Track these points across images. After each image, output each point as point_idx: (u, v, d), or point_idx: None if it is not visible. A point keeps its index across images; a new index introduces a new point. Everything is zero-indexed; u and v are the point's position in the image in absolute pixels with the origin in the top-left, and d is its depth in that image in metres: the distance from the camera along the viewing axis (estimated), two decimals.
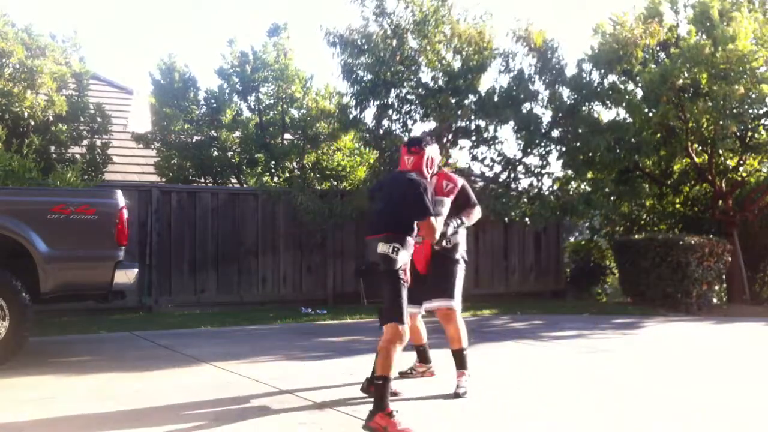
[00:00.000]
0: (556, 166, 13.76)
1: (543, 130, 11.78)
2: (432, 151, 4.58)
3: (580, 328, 8.96)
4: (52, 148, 9.85)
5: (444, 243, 4.97)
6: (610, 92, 11.88)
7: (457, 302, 4.92)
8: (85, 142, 10.56)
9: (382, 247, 4.24)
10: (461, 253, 5.09)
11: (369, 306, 11.53)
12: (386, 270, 4.24)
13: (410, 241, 4.33)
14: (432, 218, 4.28)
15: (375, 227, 4.42)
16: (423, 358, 5.47)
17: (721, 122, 11.14)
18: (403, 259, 4.29)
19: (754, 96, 11.24)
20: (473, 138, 11.87)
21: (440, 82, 11.51)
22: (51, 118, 9.74)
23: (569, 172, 12.64)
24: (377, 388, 4.03)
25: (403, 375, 5.38)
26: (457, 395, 4.72)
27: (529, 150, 11.83)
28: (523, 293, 13.31)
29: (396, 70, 11.22)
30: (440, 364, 5.48)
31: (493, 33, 11.36)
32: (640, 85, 12.38)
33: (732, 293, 13.35)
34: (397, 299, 4.21)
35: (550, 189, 12.56)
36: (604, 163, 11.74)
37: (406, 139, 11.89)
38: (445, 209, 4.73)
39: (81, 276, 5.95)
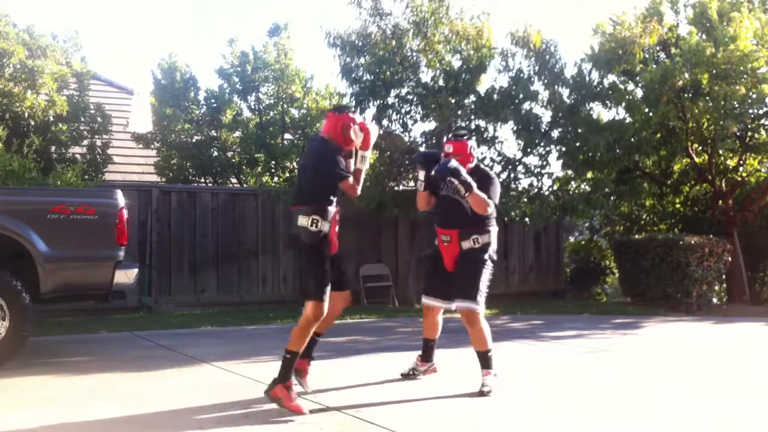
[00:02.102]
0: (556, 166, 13.77)
1: (543, 130, 11.79)
2: (345, 118, 4.48)
3: (580, 328, 8.96)
4: (53, 148, 9.84)
5: (472, 243, 4.88)
6: (610, 92, 11.88)
7: (480, 304, 4.84)
8: (85, 142, 10.56)
9: (302, 220, 4.23)
10: (490, 252, 4.96)
11: (369, 306, 11.51)
12: (307, 243, 4.24)
13: (331, 211, 4.31)
14: (348, 179, 4.33)
15: (295, 198, 4.44)
16: (427, 355, 5.33)
17: (721, 122, 11.15)
18: (324, 230, 4.26)
19: (754, 96, 11.25)
20: (473, 138, 11.87)
21: (440, 82, 11.52)
22: (51, 118, 9.74)
23: (569, 172, 12.64)
24: (285, 361, 4.15)
25: (405, 377, 5.27)
26: (481, 393, 4.70)
27: (529, 150, 11.83)
28: (523, 293, 13.32)
29: (395, 70, 11.23)
30: (441, 366, 5.48)
31: (492, 32, 11.37)
32: (640, 85, 12.39)
33: (732, 293, 13.36)
34: (319, 275, 4.22)
35: (550, 189, 12.56)
36: (604, 163, 11.74)
37: (406, 139, 11.93)
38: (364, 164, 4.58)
39: (81, 276, 5.95)
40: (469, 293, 4.80)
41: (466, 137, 5.10)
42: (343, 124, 4.43)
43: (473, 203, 4.77)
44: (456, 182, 4.67)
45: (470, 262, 4.88)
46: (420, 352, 5.36)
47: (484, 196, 4.77)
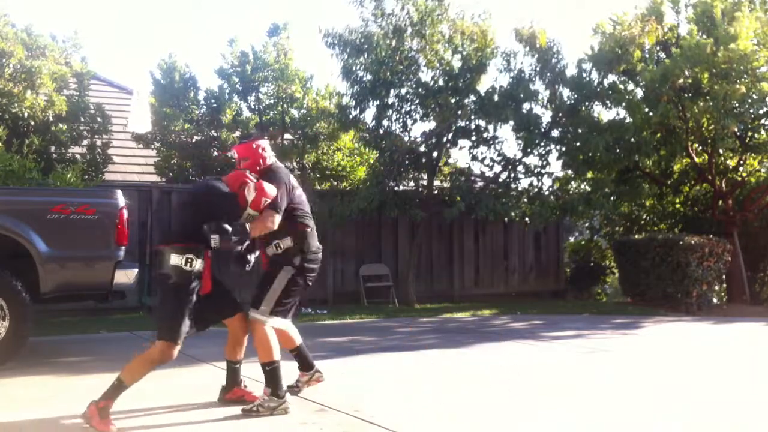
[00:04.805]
0: (556, 166, 13.81)
1: (543, 130, 11.80)
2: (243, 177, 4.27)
3: (579, 328, 8.96)
4: (53, 148, 9.83)
5: (275, 249, 4.47)
6: (610, 92, 11.90)
7: (264, 313, 4.39)
8: (85, 142, 10.54)
9: (175, 259, 4.05)
10: (295, 259, 4.46)
11: (369, 306, 11.50)
12: (176, 283, 4.05)
13: (204, 250, 4.16)
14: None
15: (166, 236, 4.26)
16: (303, 363, 4.80)
17: (721, 122, 11.15)
18: (198, 270, 4.11)
19: (754, 96, 11.25)
20: (473, 138, 11.89)
21: (440, 82, 11.53)
22: (51, 118, 9.73)
23: (569, 172, 12.65)
24: (113, 386, 3.94)
25: (291, 389, 4.73)
26: (243, 411, 4.22)
27: (529, 150, 11.84)
28: (523, 293, 13.32)
29: (396, 70, 11.23)
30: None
31: (495, 32, 11.39)
32: (640, 84, 12.40)
33: (732, 293, 13.36)
34: (178, 317, 4.03)
35: (550, 189, 12.57)
36: (604, 163, 11.75)
37: (406, 138, 11.92)
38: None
39: (81, 276, 5.95)
40: (256, 301, 4.43)
41: (251, 138, 4.64)
42: (242, 182, 4.23)
43: (257, 233, 4.38)
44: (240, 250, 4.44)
45: (271, 269, 4.50)
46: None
47: (255, 222, 4.32)
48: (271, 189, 4.26)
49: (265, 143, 4.61)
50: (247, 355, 6.32)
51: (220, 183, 4.31)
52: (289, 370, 4.61)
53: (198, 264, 4.09)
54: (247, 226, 4.38)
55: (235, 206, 4.22)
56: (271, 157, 4.61)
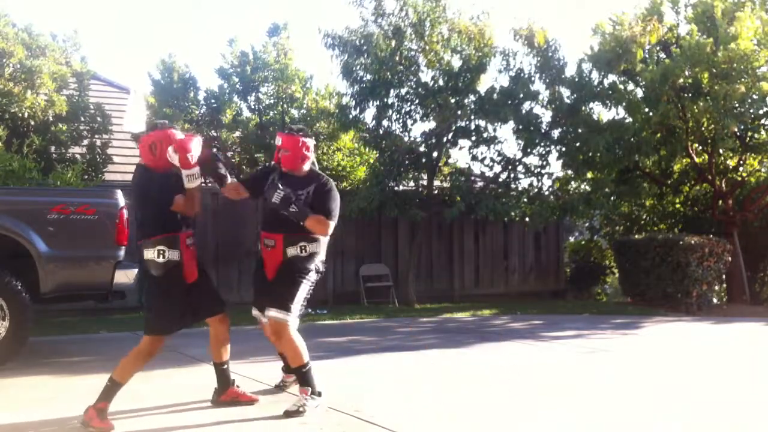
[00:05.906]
0: (556, 166, 13.81)
1: (543, 130, 11.80)
2: (153, 136, 4.12)
3: (579, 328, 8.96)
4: (53, 148, 9.82)
5: (298, 251, 4.40)
6: (610, 92, 11.89)
7: (292, 316, 4.30)
8: (85, 142, 10.53)
9: (148, 253, 4.05)
10: (317, 263, 4.50)
11: (369, 306, 11.49)
12: (155, 276, 4.04)
13: (179, 238, 4.08)
14: (177, 202, 4.03)
15: (139, 232, 4.17)
16: (287, 366, 4.72)
17: (721, 122, 11.15)
18: (174, 260, 4.04)
19: (755, 96, 11.25)
20: (473, 138, 11.89)
21: (440, 82, 11.53)
22: (51, 118, 9.72)
23: (569, 172, 12.65)
24: (107, 387, 3.94)
25: (278, 388, 4.87)
26: (287, 413, 4.13)
27: (529, 150, 11.84)
28: (523, 293, 13.33)
29: (396, 70, 11.23)
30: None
31: (493, 31, 11.39)
32: (640, 84, 12.40)
33: (732, 293, 13.36)
34: (162, 310, 4.01)
35: (550, 189, 12.57)
36: (604, 163, 11.75)
37: (406, 138, 11.91)
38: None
39: (81, 276, 5.95)
40: (284, 303, 4.29)
41: (300, 133, 4.48)
42: (151, 142, 4.11)
43: (310, 227, 4.31)
44: (286, 213, 4.24)
45: (292, 271, 4.37)
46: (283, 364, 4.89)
47: (321, 217, 4.30)
48: (193, 144, 4.05)
49: (311, 143, 4.53)
50: (247, 355, 6.33)
51: (142, 165, 4.20)
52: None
53: (172, 254, 4.03)
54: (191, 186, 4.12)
55: (163, 178, 4.07)
56: (312, 162, 4.54)
